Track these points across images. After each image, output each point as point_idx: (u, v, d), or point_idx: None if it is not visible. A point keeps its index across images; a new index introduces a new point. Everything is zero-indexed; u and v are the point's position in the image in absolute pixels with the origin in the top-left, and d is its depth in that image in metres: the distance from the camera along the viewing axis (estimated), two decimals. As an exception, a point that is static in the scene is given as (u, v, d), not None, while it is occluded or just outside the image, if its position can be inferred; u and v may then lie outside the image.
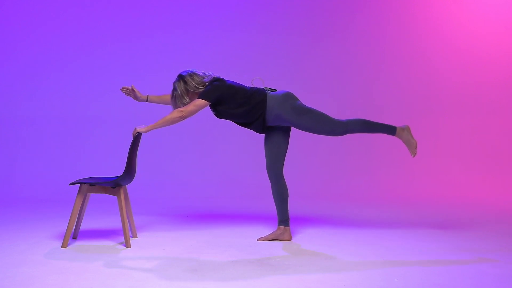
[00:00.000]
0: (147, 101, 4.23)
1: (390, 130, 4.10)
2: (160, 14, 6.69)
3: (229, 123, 4.53)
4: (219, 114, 4.06)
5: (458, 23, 6.79)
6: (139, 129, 3.82)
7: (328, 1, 6.85)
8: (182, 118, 3.86)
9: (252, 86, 4.10)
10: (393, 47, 6.83)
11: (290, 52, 6.79)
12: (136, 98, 4.20)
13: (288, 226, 4.08)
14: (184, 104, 3.96)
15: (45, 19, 6.58)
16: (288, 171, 5.30)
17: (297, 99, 4.06)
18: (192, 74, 3.99)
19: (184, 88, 3.96)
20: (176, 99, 3.99)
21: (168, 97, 4.19)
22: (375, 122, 4.13)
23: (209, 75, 4.03)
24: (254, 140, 5.73)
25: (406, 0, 6.84)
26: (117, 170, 5.50)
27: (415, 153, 4.13)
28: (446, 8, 6.80)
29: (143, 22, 6.67)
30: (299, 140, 6.29)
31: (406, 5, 6.83)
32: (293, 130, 4.27)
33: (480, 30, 6.76)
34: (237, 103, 3.96)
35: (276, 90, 4.12)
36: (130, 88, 4.19)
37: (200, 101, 3.89)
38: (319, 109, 4.05)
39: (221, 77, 4.06)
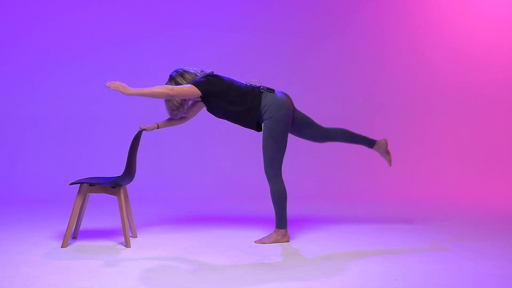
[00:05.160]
0: (158, 128, 4.00)
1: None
2: (160, 15, 6.69)
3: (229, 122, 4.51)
4: (211, 108, 3.97)
5: (458, 23, 6.79)
6: (122, 90, 3.55)
7: (328, 1, 6.85)
8: (169, 96, 3.72)
9: (248, 84, 4.00)
10: (393, 47, 6.83)
11: (290, 52, 6.78)
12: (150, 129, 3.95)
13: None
14: (176, 106, 3.92)
15: (45, 20, 6.57)
16: (288, 172, 5.31)
17: (286, 118, 3.90)
18: (182, 73, 3.94)
19: None
20: (168, 101, 3.95)
21: (173, 120, 4.10)
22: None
23: (201, 72, 3.97)
24: (254, 140, 5.73)
25: (406, 0, 6.84)
26: (117, 170, 5.50)
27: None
28: (446, 8, 6.80)
29: (144, 22, 6.66)
30: (299, 140, 6.29)
31: (406, 5, 6.83)
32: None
33: (480, 30, 6.76)
34: (229, 101, 3.88)
35: (273, 90, 4.00)
36: (144, 128, 3.92)
37: (191, 87, 3.78)
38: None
39: (215, 73, 3.99)
